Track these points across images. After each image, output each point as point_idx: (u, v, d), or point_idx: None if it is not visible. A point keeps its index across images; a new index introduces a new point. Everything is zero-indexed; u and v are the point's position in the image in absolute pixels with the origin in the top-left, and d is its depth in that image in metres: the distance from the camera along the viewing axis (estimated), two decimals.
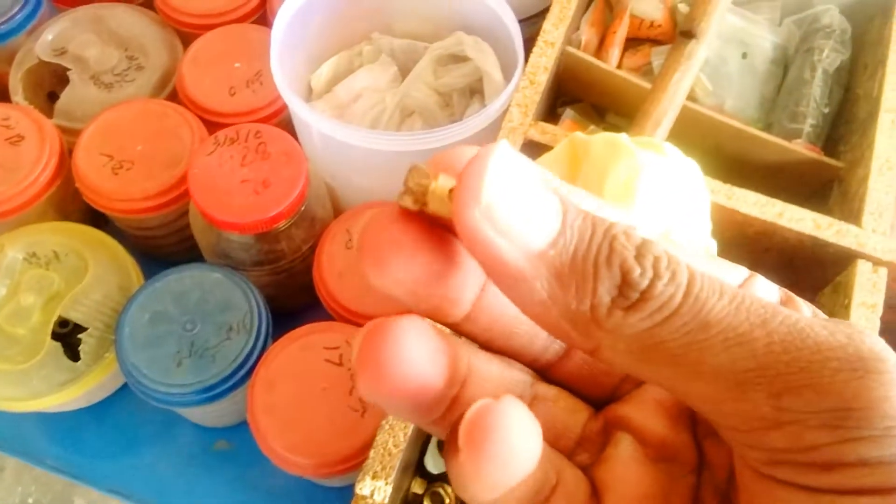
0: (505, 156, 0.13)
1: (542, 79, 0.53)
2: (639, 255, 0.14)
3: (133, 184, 0.53)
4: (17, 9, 0.61)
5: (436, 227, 0.15)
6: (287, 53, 0.55)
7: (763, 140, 0.54)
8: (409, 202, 0.14)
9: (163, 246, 0.58)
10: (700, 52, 0.52)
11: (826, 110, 0.55)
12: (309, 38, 0.59)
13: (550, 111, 0.62)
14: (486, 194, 0.13)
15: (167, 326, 0.48)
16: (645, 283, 0.13)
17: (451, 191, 0.14)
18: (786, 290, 0.17)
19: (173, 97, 0.60)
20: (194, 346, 0.48)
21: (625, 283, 0.13)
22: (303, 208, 0.52)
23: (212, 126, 0.57)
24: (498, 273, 0.14)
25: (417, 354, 0.14)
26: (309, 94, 0.61)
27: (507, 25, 0.55)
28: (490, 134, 0.52)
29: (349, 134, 0.49)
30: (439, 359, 0.15)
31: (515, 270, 0.14)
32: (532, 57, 0.53)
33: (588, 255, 0.14)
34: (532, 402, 0.18)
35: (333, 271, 0.51)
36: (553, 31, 0.55)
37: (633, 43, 0.66)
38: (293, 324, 0.49)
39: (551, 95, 0.59)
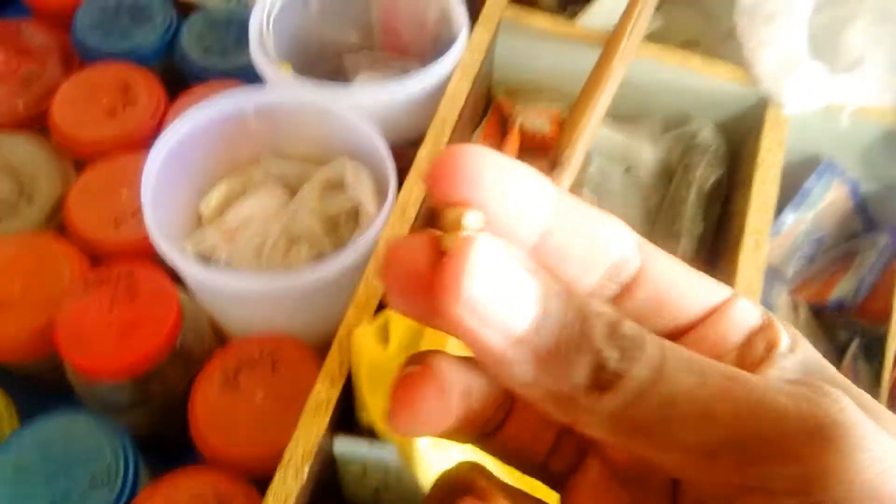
0: (485, 249, 0.14)
1: (412, 212, 0.53)
2: (612, 336, 0.14)
3: (7, 326, 0.53)
4: None
5: None
6: (167, 187, 0.55)
7: None
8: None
9: (42, 383, 0.57)
10: (565, 180, 0.53)
11: (699, 231, 0.56)
12: (195, 166, 0.59)
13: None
14: (466, 290, 0.14)
15: (30, 484, 0.47)
16: (618, 366, 0.14)
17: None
18: (767, 312, 0.18)
19: (61, 230, 0.60)
20: None
21: (599, 367, 0.14)
22: (178, 346, 0.52)
23: (97, 259, 0.57)
24: (482, 357, 0.15)
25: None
26: (198, 221, 0.62)
27: (381, 152, 0.55)
28: (362, 267, 0.52)
29: (214, 278, 0.49)
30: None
31: (499, 355, 0.14)
32: (404, 189, 0.54)
33: (565, 339, 0.14)
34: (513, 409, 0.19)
35: (208, 412, 0.51)
36: (427, 161, 0.56)
37: (527, 154, 0.67)
38: (176, 464, 0.49)
39: (429, 224, 0.59)
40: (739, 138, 0.61)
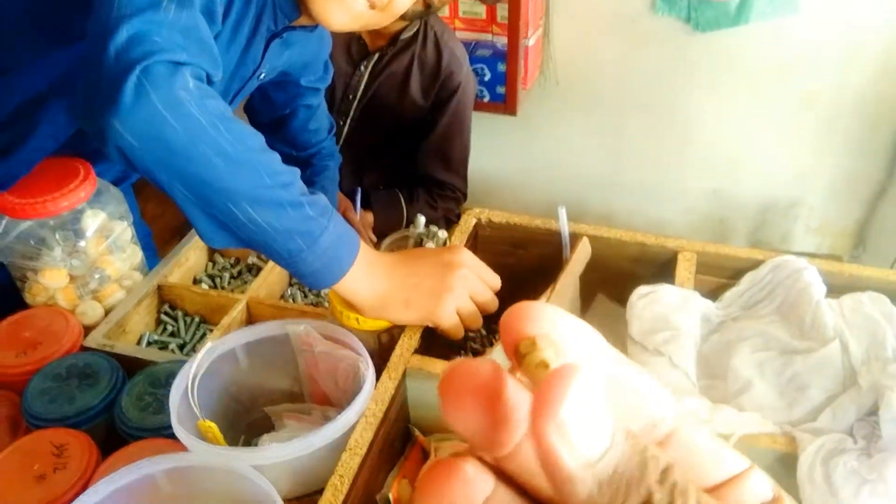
0: (583, 382, 0.17)
1: None
2: (663, 479, 0.17)
3: None
4: None
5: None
6: None
7: None
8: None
9: None
10: None
11: None
12: None
13: None
14: (562, 413, 0.17)
15: None
16: None
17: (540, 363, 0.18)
18: (778, 487, 0.21)
19: None
20: None
21: (647, 502, 0.17)
22: None
23: None
24: (552, 470, 0.17)
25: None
26: None
27: None
28: None
29: None
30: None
31: (568, 474, 0.17)
32: None
33: (624, 473, 0.17)
34: None
35: None
36: None
37: None
38: None
39: None
40: None
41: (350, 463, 0.61)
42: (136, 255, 0.97)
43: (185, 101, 0.63)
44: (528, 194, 2.22)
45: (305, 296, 1.05)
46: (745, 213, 2.05)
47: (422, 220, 0.92)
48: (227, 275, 1.07)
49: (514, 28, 1.79)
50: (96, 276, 0.92)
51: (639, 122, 2.01)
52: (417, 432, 0.73)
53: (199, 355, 0.72)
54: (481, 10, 1.90)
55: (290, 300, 1.04)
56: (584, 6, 1.88)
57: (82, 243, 0.89)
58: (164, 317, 0.98)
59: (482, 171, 2.02)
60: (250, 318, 0.95)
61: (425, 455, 0.73)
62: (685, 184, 2.05)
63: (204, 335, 0.96)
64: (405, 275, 0.75)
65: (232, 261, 1.10)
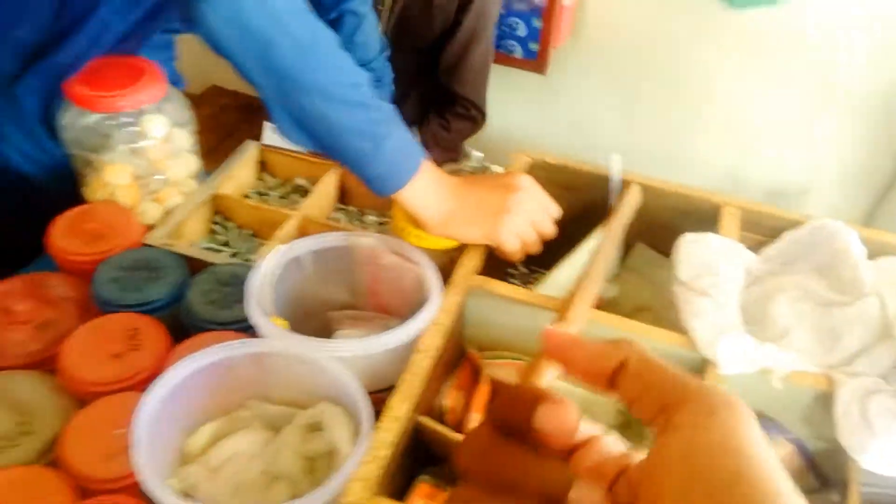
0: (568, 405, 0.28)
1: (386, 453, 0.58)
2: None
3: None
4: None
5: None
6: (159, 427, 0.60)
7: None
8: None
9: None
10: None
11: None
12: (185, 408, 0.65)
13: (408, 473, 0.66)
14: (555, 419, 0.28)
15: None
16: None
17: None
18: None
19: (55, 462, 0.64)
20: None
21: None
22: None
23: (87, 493, 0.60)
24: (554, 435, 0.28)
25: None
26: (184, 459, 0.66)
27: (357, 402, 0.61)
28: None
29: None
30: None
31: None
32: (377, 432, 0.59)
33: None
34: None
35: None
36: (399, 406, 0.62)
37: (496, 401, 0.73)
38: None
39: (407, 461, 0.64)
40: None
41: (422, 363, 0.66)
42: (194, 163, 1.00)
43: None
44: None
45: (351, 221, 1.08)
46: (754, 195, 2.10)
47: (476, 154, 0.95)
48: (275, 193, 1.10)
49: None
50: (156, 178, 0.95)
51: (662, 92, 2.04)
52: (471, 350, 0.78)
53: (272, 256, 0.75)
54: None
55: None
56: None
57: (146, 144, 0.92)
58: (215, 226, 1.01)
59: (503, 127, 2.05)
60: (301, 235, 0.98)
61: (474, 371, 0.77)
62: (699, 158, 2.09)
63: (255, 248, 0.99)
64: (469, 193, 0.78)
65: (280, 181, 1.13)
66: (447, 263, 0.81)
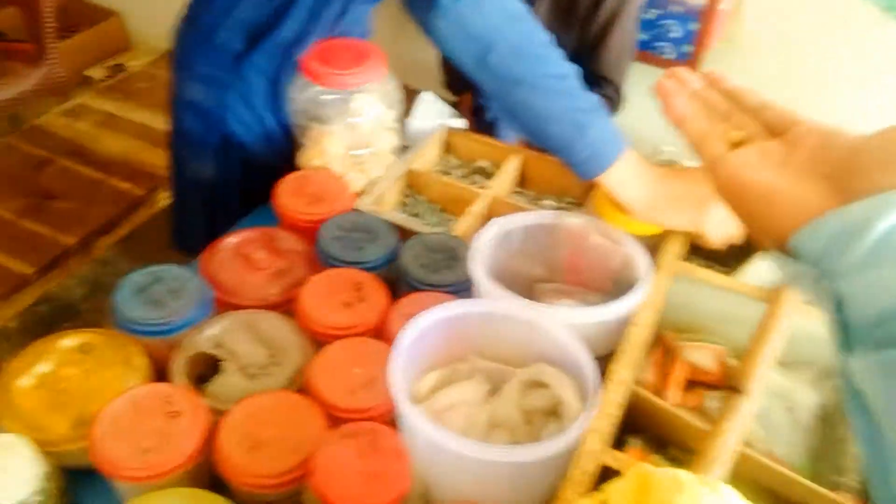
0: None
1: (614, 412, 0.63)
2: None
3: (263, 463, 0.63)
4: (190, 310, 0.77)
5: None
6: (403, 368, 0.67)
7: (811, 489, 0.61)
8: None
9: None
10: (747, 406, 0.63)
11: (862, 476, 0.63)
12: (419, 356, 0.72)
13: (617, 439, 0.71)
14: None
15: None
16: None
17: None
18: None
19: (303, 391, 0.72)
20: None
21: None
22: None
23: (333, 419, 0.68)
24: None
25: None
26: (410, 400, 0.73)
27: (583, 365, 0.67)
28: (569, 454, 0.61)
29: (450, 441, 0.59)
30: None
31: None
32: (606, 393, 0.64)
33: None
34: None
35: None
36: (623, 371, 0.67)
37: (689, 385, 0.77)
38: None
39: (619, 425, 0.69)
40: None
41: (639, 335, 0.70)
42: (394, 139, 1.08)
43: (487, 3, 0.80)
44: None
45: (528, 203, 1.14)
46: None
47: (669, 149, 0.99)
48: (457, 172, 1.17)
49: None
50: (364, 151, 1.03)
51: (811, 102, 2.00)
52: (667, 331, 0.82)
53: (490, 227, 0.82)
54: None
55: None
56: None
57: (362, 119, 1.00)
58: (406, 199, 1.09)
59: (647, 126, 2.06)
60: (489, 214, 1.05)
61: (667, 351, 0.81)
62: None
63: (443, 221, 1.06)
64: (674, 182, 0.82)
65: (461, 161, 1.20)
66: (652, 249, 0.86)
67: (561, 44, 0.85)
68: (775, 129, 0.47)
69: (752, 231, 0.46)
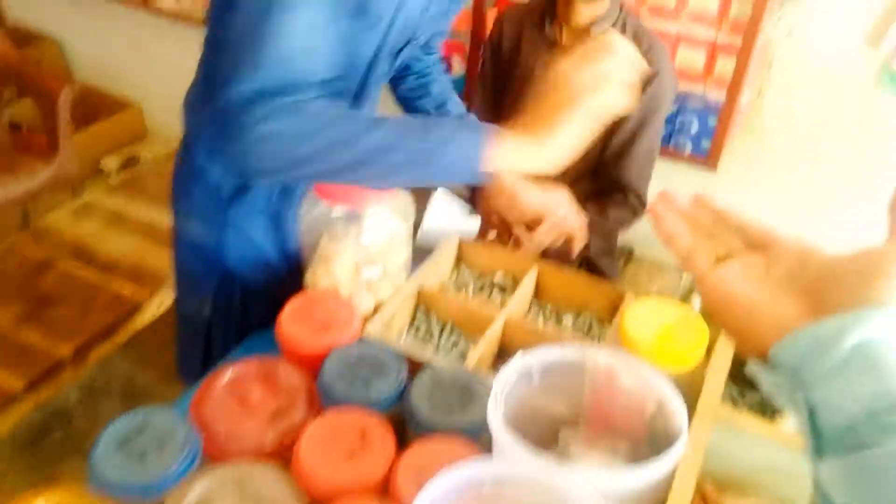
0: None
1: None
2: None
3: None
4: (174, 465, 0.69)
5: None
6: None
7: None
8: None
9: None
10: None
11: None
12: None
13: None
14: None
15: None
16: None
17: None
18: None
19: None
20: None
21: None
22: None
23: None
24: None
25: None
26: None
27: None
28: None
29: None
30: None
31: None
32: None
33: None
34: None
35: None
36: None
37: None
38: None
39: None
40: None
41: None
42: (407, 251, 1.02)
43: (266, 129, 0.70)
44: None
45: (546, 320, 1.07)
46: None
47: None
48: (472, 285, 1.10)
49: (735, 85, 1.77)
50: (374, 269, 0.97)
51: (827, 196, 1.95)
52: (706, 484, 0.73)
53: (509, 369, 0.74)
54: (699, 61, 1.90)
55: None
56: (806, 69, 1.84)
57: (373, 238, 0.94)
58: (417, 318, 1.02)
59: None
60: (505, 339, 0.98)
61: None
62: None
63: (457, 341, 0.99)
64: (550, 100, 0.75)
65: (476, 273, 1.13)
66: (688, 386, 0.78)
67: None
68: (757, 245, 0.51)
69: (737, 342, 0.49)
